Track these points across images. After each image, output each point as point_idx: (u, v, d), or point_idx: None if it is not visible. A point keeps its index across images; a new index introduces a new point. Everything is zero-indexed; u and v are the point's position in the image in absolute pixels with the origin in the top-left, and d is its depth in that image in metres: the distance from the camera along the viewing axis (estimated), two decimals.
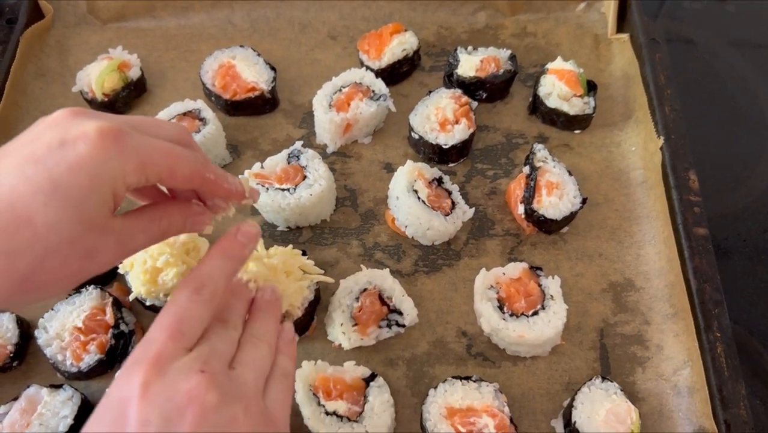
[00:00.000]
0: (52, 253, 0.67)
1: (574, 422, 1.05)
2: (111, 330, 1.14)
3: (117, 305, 1.17)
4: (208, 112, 1.33)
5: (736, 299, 1.23)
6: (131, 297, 1.16)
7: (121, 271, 1.17)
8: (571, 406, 1.07)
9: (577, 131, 1.43)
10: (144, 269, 1.13)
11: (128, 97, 1.43)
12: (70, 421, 1.05)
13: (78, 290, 1.17)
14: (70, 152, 0.67)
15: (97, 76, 1.38)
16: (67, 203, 0.66)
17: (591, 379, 1.10)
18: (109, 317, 1.15)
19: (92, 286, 1.17)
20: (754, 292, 1.37)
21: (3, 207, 0.65)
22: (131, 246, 0.76)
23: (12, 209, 0.65)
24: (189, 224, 0.86)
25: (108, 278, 1.23)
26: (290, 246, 1.16)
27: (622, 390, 1.09)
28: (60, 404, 1.07)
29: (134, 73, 1.43)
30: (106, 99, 1.40)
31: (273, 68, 1.43)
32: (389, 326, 1.14)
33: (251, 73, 1.41)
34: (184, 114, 1.33)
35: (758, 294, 1.36)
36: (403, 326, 1.14)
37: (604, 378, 1.10)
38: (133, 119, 0.79)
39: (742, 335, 1.30)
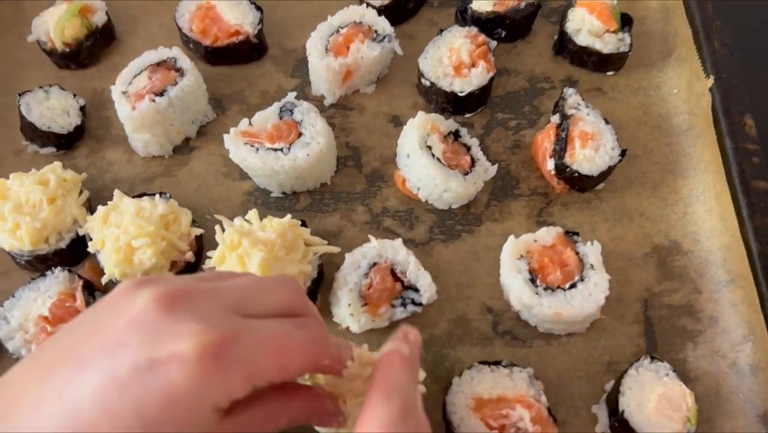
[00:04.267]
0: None
1: (623, 412, 0.91)
2: None
3: (89, 288, 1.01)
4: (185, 62, 1.15)
5: None
6: (104, 279, 1.01)
7: (91, 249, 1.02)
8: (617, 392, 0.94)
9: (610, 73, 1.27)
10: (117, 247, 0.99)
11: (93, 47, 1.25)
12: None
13: (43, 273, 1.01)
14: (162, 381, 0.57)
15: (56, 22, 1.19)
16: None
17: (638, 359, 0.96)
18: (79, 303, 0.99)
19: (59, 268, 1.01)
20: None
21: None
22: None
23: None
24: (316, 420, 0.74)
25: (77, 258, 1.07)
26: (288, 216, 1.01)
27: (674, 371, 0.95)
28: None
29: (99, 19, 1.24)
30: (67, 49, 1.22)
31: (259, 8, 1.24)
32: (404, 304, 0.99)
33: (234, 14, 1.22)
34: (158, 64, 1.16)
35: None
36: (420, 304, 1.00)
37: (653, 358, 0.96)
38: (237, 292, 0.66)
39: None
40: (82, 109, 1.18)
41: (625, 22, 1.24)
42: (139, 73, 1.15)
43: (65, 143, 1.16)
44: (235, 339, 0.60)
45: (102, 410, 0.56)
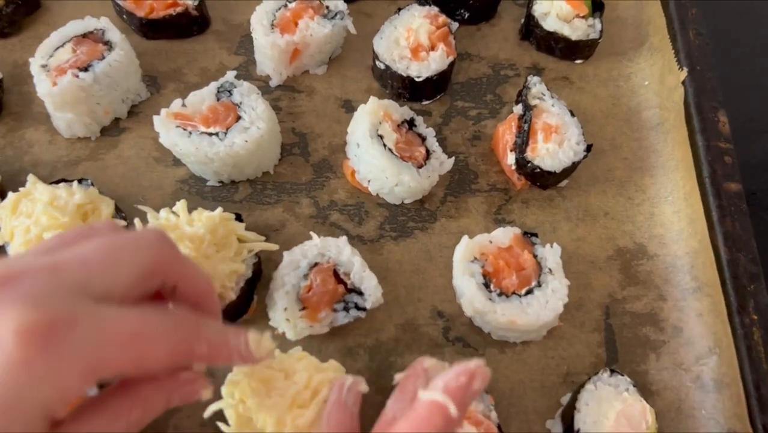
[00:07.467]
0: None
1: (578, 430, 0.85)
2: None
3: None
4: (114, 34, 1.06)
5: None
6: None
7: None
8: (572, 408, 0.88)
9: (578, 61, 1.22)
10: (26, 240, 0.89)
11: (15, 13, 1.15)
12: None
13: None
14: None
15: None
16: None
17: (597, 373, 0.90)
18: None
19: None
20: None
21: None
22: None
23: None
24: (176, 398, 0.64)
25: None
26: (219, 209, 0.92)
27: (634, 386, 0.89)
28: None
29: None
30: None
31: None
32: (346, 309, 0.92)
33: None
34: (83, 36, 1.06)
35: None
36: (364, 309, 0.92)
37: (612, 371, 0.90)
38: (82, 268, 0.56)
39: None
40: None
41: (596, 7, 1.19)
42: (62, 45, 1.05)
43: None
44: (72, 324, 0.50)
45: None
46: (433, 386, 0.63)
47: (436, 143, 1.05)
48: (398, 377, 0.75)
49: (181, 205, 0.91)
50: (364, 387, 0.75)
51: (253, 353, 0.68)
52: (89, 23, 1.06)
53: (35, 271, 0.53)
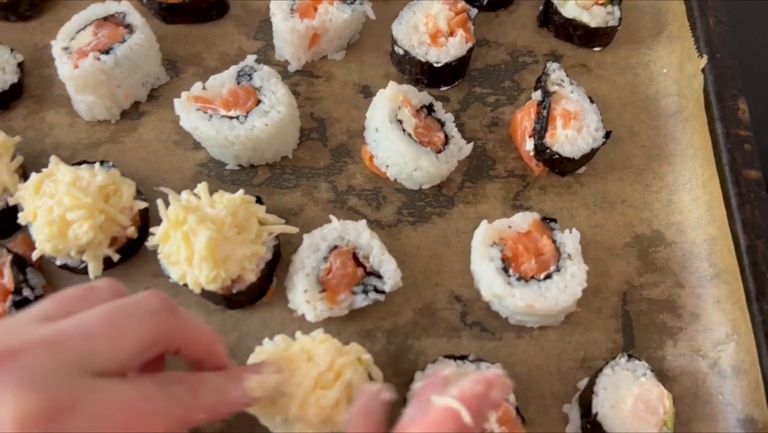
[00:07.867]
0: None
1: (596, 414, 0.85)
2: (11, 296, 0.89)
3: (19, 264, 0.92)
4: (135, 17, 1.05)
5: None
6: (35, 255, 0.91)
7: (21, 221, 0.93)
8: (590, 391, 0.88)
9: (597, 48, 1.20)
10: (50, 220, 0.89)
11: None
12: None
13: None
14: None
15: None
16: None
17: (614, 357, 0.90)
18: (7, 279, 0.90)
19: None
20: None
21: None
22: None
23: None
24: None
25: (9, 230, 0.97)
26: (240, 191, 0.92)
27: (652, 371, 0.89)
28: None
29: None
30: (6, 0, 1.10)
31: None
32: (365, 292, 0.92)
33: None
34: (105, 19, 1.05)
35: None
36: (383, 292, 0.92)
37: (630, 356, 0.90)
38: (83, 343, 0.54)
39: None
40: (20, 65, 1.08)
41: None
42: (83, 28, 1.04)
43: (0, 103, 1.05)
44: (72, 408, 0.49)
45: None
46: (448, 393, 0.63)
47: (455, 129, 1.04)
48: (416, 385, 0.75)
49: (202, 187, 0.91)
50: (388, 395, 0.74)
51: (257, 393, 0.69)
52: (110, 6, 1.06)
53: (36, 346, 0.52)
